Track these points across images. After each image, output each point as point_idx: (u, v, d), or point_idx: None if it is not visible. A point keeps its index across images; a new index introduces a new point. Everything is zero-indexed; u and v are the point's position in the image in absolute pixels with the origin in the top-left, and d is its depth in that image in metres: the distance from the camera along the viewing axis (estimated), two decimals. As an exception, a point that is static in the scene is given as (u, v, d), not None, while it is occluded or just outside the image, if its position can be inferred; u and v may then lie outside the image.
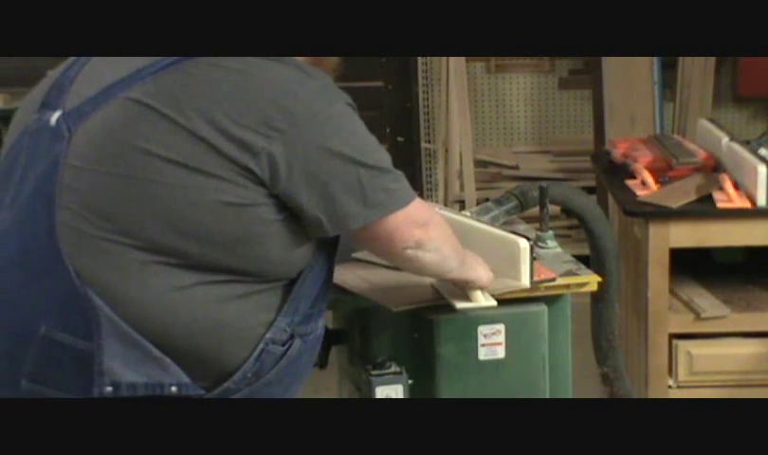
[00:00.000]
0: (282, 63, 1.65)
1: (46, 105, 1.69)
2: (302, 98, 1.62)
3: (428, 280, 2.00)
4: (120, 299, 1.58)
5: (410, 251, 1.74)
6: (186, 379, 1.62)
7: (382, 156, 1.69)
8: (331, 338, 2.14)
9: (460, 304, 1.95)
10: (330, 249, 1.76)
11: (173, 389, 1.61)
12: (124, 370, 1.58)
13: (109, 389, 1.58)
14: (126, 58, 1.66)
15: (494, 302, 1.95)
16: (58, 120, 1.65)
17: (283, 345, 1.69)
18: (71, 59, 1.75)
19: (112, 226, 1.58)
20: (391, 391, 1.98)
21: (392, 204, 1.69)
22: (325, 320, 1.81)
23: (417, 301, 2.00)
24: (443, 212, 2.24)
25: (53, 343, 1.59)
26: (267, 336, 1.67)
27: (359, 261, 2.16)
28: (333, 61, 1.82)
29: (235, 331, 1.65)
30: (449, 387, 2.02)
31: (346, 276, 2.07)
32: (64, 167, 1.61)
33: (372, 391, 1.97)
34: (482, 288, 1.94)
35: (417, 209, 1.73)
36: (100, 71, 1.68)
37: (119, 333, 1.58)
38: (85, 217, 1.59)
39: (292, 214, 1.65)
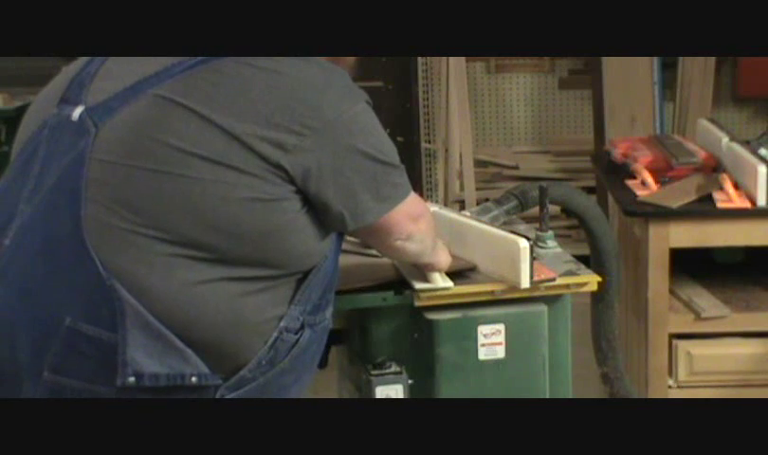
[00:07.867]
0: (307, 61, 1.68)
1: (67, 100, 1.69)
2: (330, 96, 1.66)
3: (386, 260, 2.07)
4: (146, 290, 1.59)
5: (399, 242, 1.82)
6: (206, 369, 1.64)
7: (394, 153, 1.75)
8: (331, 338, 2.14)
9: (419, 285, 2.01)
10: (339, 241, 1.80)
11: (194, 379, 1.63)
12: (147, 360, 1.60)
13: (132, 379, 1.59)
14: (151, 57, 1.66)
15: (450, 284, 2.02)
16: (81, 115, 1.66)
17: (296, 334, 1.72)
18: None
19: (141, 219, 1.59)
20: (391, 391, 1.98)
21: (397, 198, 1.75)
22: (332, 312, 1.83)
23: (378, 278, 2.05)
24: (443, 212, 2.25)
25: (78, 335, 1.59)
26: (281, 324, 1.70)
27: None
28: (351, 60, 1.85)
29: (253, 324, 1.68)
30: (449, 387, 2.02)
31: None
32: (91, 161, 1.61)
33: (372, 391, 1.98)
34: (440, 271, 2.02)
35: (414, 202, 1.81)
36: (124, 67, 1.68)
37: (144, 324, 1.59)
38: (113, 210, 1.60)
39: (313, 208, 1.68)
